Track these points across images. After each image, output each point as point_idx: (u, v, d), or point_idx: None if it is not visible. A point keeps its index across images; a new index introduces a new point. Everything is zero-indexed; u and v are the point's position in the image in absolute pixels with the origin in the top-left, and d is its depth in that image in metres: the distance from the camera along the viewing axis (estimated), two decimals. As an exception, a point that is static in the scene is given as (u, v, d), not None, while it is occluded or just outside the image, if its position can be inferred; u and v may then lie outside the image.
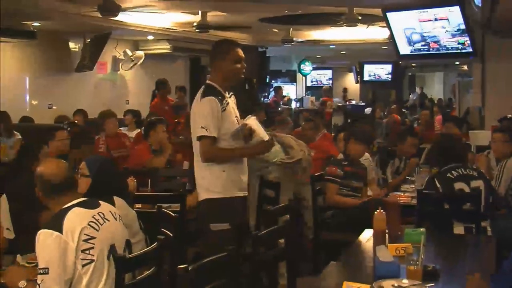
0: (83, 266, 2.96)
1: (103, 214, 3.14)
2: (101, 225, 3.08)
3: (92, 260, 2.98)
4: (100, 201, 3.26)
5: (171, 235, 3.74)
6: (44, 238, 2.95)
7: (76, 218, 3.03)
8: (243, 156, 4.39)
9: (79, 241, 2.96)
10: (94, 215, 3.10)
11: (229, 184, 4.26)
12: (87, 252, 2.97)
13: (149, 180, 5.76)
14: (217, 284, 2.99)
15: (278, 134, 6.08)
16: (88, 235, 3.00)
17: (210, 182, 4.24)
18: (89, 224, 3.03)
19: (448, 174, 4.89)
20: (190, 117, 4.41)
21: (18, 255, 3.37)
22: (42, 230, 2.98)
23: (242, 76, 4.42)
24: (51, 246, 2.93)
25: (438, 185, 4.86)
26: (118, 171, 4.62)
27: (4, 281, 3.20)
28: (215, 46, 4.46)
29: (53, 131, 6.55)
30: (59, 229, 2.95)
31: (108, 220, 3.14)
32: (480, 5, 7.88)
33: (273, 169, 5.68)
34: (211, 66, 4.43)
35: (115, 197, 3.65)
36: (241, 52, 4.38)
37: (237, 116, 4.38)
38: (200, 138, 4.17)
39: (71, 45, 12.44)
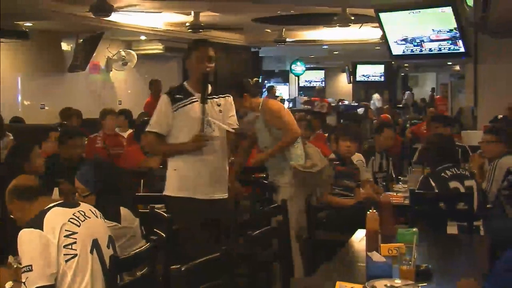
0: (67, 261, 2.97)
1: (83, 212, 3.15)
2: (82, 221, 3.09)
3: (75, 255, 2.99)
4: (79, 202, 3.29)
5: (164, 235, 3.74)
6: (25, 236, 2.97)
7: (56, 216, 3.05)
8: (177, 152, 4.43)
9: (60, 237, 2.97)
10: (74, 212, 3.11)
11: (178, 184, 4.41)
12: (69, 247, 2.98)
13: (142, 181, 5.74)
14: (211, 284, 2.99)
15: (308, 142, 6.10)
16: (69, 231, 3.01)
17: (167, 179, 4.48)
18: (69, 221, 3.05)
19: (442, 174, 4.96)
20: None
21: (10, 256, 3.36)
22: (22, 230, 3.00)
23: (209, 75, 4.46)
24: (32, 243, 2.94)
25: (433, 184, 4.92)
26: (117, 170, 4.59)
27: None
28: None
29: (47, 132, 6.52)
30: (40, 227, 2.97)
31: (89, 217, 3.15)
32: (472, 5, 7.90)
33: (286, 173, 5.50)
34: None
35: (121, 208, 3.63)
36: (208, 51, 4.45)
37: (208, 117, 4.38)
38: (147, 132, 4.45)
39: (64, 45, 12.41)
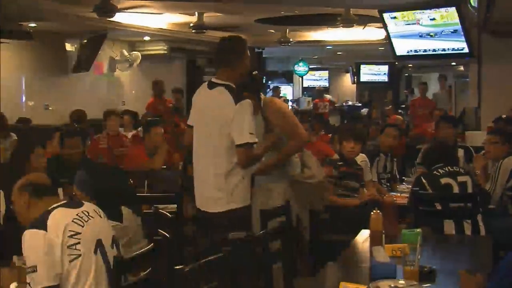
0: (71, 261, 2.98)
1: (87, 212, 3.16)
2: (86, 221, 3.10)
3: (79, 255, 3.00)
4: (83, 201, 3.29)
5: (168, 235, 3.74)
6: (30, 237, 2.98)
7: (60, 216, 3.05)
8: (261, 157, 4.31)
9: (64, 237, 2.98)
10: (78, 213, 3.12)
11: (248, 193, 4.20)
12: (73, 247, 2.99)
13: (146, 181, 5.75)
14: (214, 285, 3.00)
15: (313, 143, 5.84)
16: (73, 231, 3.02)
17: (232, 191, 4.11)
18: (73, 221, 3.05)
19: (435, 172, 5.03)
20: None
21: (14, 256, 3.37)
22: (27, 230, 3.01)
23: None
24: (36, 244, 2.95)
25: (425, 182, 4.99)
26: (113, 170, 4.58)
27: None
28: (233, 43, 4.32)
29: (51, 132, 6.53)
30: (44, 228, 2.97)
31: (93, 217, 3.16)
32: (476, 6, 7.90)
33: (280, 181, 4.77)
34: (225, 65, 4.24)
35: (122, 207, 3.64)
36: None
37: None
38: (246, 145, 4.05)
39: (68, 46, 12.43)
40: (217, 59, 4.30)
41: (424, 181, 4.99)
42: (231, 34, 4.44)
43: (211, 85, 4.23)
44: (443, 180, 4.96)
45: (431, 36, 9.61)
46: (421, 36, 9.69)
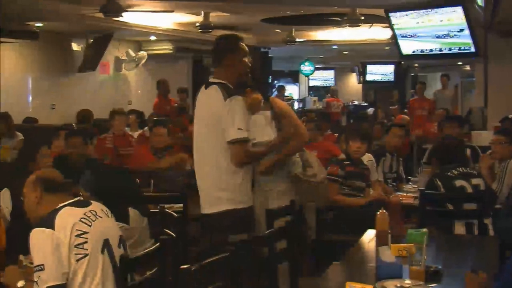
0: (78, 261, 2.98)
1: (95, 211, 3.16)
2: (93, 221, 3.10)
3: (86, 254, 3.00)
4: (91, 201, 3.29)
5: (174, 235, 3.75)
6: (37, 235, 2.98)
7: (68, 215, 3.06)
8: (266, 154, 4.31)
9: (72, 237, 2.98)
10: (86, 212, 3.12)
11: (250, 193, 4.18)
12: (81, 246, 3.00)
13: (151, 181, 5.76)
14: (220, 285, 3.00)
15: (318, 143, 5.80)
16: (81, 230, 3.02)
17: (234, 191, 4.08)
18: (80, 220, 3.05)
19: (448, 173, 4.96)
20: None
21: (21, 255, 3.38)
22: (34, 229, 3.01)
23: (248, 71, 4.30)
24: (44, 242, 2.95)
25: (439, 184, 4.92)
26: (118, 171, 4.59)
27: (2, 281, 3.21)
28: (223, 41, 4.28)
29: (57, 131, 6.55)
30: (51, 226, 2.98)
31: (101, 217, 3.16)
32: (483, 5, 7.89)
33: (281, 181, 4.71)
34: (218, 64, 4.22)
35: (130, 209, 3.64)
36: (245, 47, 4.29)
37: None
38: (236, 141, 3.99)
39: (74, 45, 12.46)
40: (213, 58, 4.30)
41: (439, 183, 4.91)
42: (227, 33, 4.40)
43: (207, 85, 4.22)
44: (457, 183, 4.89)
45: (437, 35, 9.59)
46: (427, 35, 9.67)
